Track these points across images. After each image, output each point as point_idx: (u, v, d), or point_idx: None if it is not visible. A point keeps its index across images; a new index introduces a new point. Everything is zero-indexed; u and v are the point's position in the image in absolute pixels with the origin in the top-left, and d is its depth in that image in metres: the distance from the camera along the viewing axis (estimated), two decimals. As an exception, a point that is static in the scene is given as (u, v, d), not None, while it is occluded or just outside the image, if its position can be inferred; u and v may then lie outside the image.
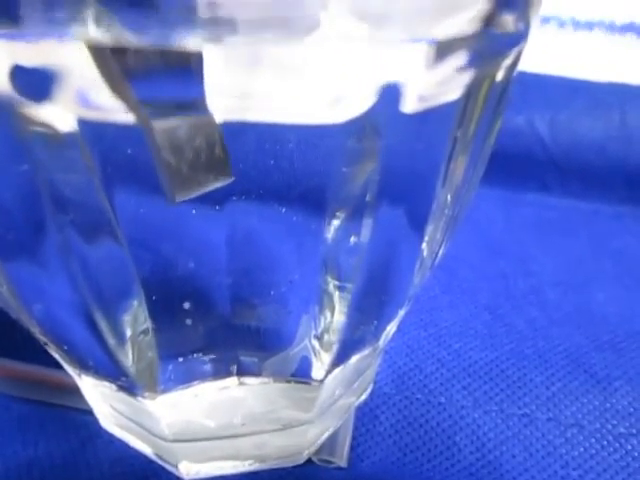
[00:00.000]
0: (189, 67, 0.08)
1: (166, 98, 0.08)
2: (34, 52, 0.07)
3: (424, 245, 0.13)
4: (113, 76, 0.07)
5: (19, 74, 0.07)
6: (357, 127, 0.09)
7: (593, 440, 0.19)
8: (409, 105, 0.09)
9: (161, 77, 0.08)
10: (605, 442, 0.19)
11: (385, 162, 0.10)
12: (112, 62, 0.07)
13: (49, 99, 0.08)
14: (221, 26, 0.07)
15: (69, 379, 0.16)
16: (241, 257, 0.11)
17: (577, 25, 0.31)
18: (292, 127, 0.09)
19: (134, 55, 0.07)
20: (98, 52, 0.07)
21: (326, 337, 0.13)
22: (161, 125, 0.08)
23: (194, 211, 0.10)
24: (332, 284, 0.12)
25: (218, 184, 0.09)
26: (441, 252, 0.14)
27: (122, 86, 0.08)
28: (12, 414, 0.18)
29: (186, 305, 0.12)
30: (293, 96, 0.08)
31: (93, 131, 0.08)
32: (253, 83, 0.08)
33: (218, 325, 0.12)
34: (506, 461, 0.18)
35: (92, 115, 0.08)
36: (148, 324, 0.12)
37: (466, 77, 0.09)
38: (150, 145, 0.08)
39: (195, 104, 0.08)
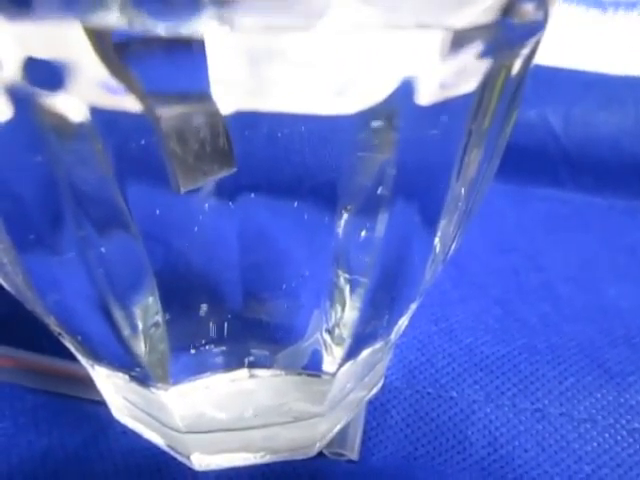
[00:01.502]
0: (193, 57, 0.08)
1: (171, 89, 0.08)
2: (46, 42, 0.07)
3: (437, 239, 0.12)
4: (114, 63, 0.07)
5: (31, 63, 0.07)
6: (370, 118, 0.09)
7: (607, 435, 0.19)
8: (425, 96, 0.09)
9: (165, 67, 0.08)
10: (619, 437, 0.19)
11: (400, 155, 0.10)
12: (112, 49, 0.07)
13: (61, 88, 0.08)
14: (232, 11, 0.07)
15: (82, 370, 0.16)
16: (252, 251, 0.11)
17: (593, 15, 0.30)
18: (303, 119, 0.09)
19: (139, 44, 0.07)
20: (98, 40, 0.07)
21: (337, 331, 0.13)
22: (167, 115, 0.08)
23: (207, 205, 0.10)
24: (343, 278, 0.12)
25: (222, 174, 0.09)
26: (454, 247, 0.14)
27: (125, 73, 0.08)
28: (26, 405, 0.19)
29: (198, 298, 0.12)
30: (305, 85, 0.08)
31: (106, 122, 0.08)
32: (265, 72, 0.08)
33: (229, 318, 0.13)
34: (518, 456, 0.18)
35: (106, 103, 0.08)
36: (160, 316, 0.12)
37: (482, 67, 0.09)
38: (157, 135, 0.08)
39: (200, 95, 0.08)
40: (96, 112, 0.08)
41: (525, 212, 0.29)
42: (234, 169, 0.09)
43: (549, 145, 0.30)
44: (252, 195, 0.10)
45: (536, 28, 0.10)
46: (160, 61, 0.08)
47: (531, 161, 0.31)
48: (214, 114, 0.08)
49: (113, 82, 0.08)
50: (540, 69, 0.30)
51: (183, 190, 0.09)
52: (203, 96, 0.08)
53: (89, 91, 0.08)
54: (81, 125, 0.08)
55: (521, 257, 0.26)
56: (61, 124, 0.08)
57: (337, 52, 0.08)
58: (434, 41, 0.08)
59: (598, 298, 0.24)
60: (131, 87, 0.08)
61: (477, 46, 0.09)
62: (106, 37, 0.07)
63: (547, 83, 0.30)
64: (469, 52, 0.09)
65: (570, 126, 0.30)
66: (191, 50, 0.08)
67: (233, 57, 0.08)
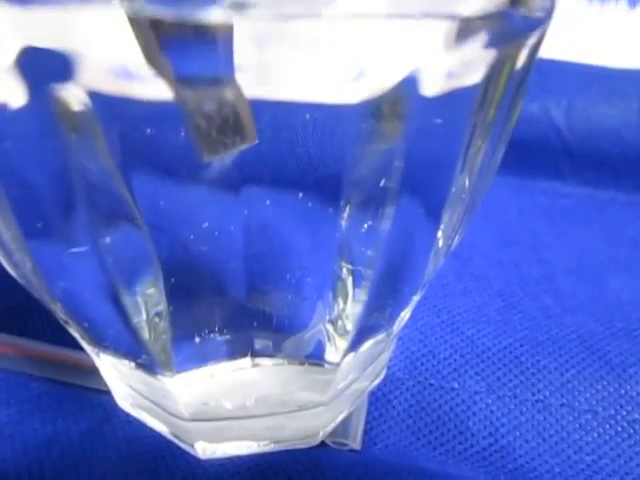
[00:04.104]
0: (218, 42, 0.08)
1: (197, 74, 0.08)
2: (48, 30, 0.07)
3: (440, 232, 0.13)
4: (152, 48, 0.08)
5: (32, 54, 0.08)
6: (374, 107, 0.09)
7: (607, 426, 0.19)
8: (430, 86, 0.09)
9: (191, 52, 0.08)
10: (619, 428, 0.19)
11: (406, 146, 0.10)
12: (152, 35, 0.07)
13: (65, 77, 0.08)
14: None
15: (87, 359, 0.16)
16: (257, 243, 0.11)
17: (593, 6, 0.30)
18: (308, 109, 0.09)
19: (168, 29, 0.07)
20: (139, 25, 0.07)
21: (340, 323, 0.13)
22: (192, 96, 0.08)
23: (212, 197, 0.10)
24: (346, 270, 0.12)
25: (245, 146, 0.09)
26: (457, 239, 0.14)
27: (159, 58, 0.08)
28: (32, 393, 0.19)
29: (203, 289, 0.12)
30: (310, 71, 0.08)
31: (109, 113, 0.08)
32: (271, 56, 0.08)
33: (233, 308, 0.13)
34: (519, 446, 0.18)
35: (112, 90, 0.08)
36: (163, 306, 0.12)
37: (488, 58, 0.09)
38: (182, 112, 0.08)
39: (224, 79, 0.08)
40: (98, 102, 0.08)
41: (527, 205, 0.29)
42: (256, 141, 0.09)
43: (551, 138, 0.30)
44: (257, 187, 0.10)
45: (542, 19, 0.10)
46: (185, 45, 0.08)
47: (533, 154, 0.31)
48: (237, 93, 0.08)
49: (125, 68, 0.08)
50: (542, 62, 0.30)
51: (207, 160, 0.09)
52: (227, 80, 0.08)
53: (94, 79, 0.08)
54: (83, 114, 0.08)
55: (523, 250, 0.26)
56: (66, 113, 0.08)
57: (343, 40, 0.08)
58: (440, 31, 0.08)
59: (599, 290, 0.24)
60: (162, 72, 0.08)
61: (483, 37, 0.09)
62: (146, 25, 0.07)
63: (549, 76, 0.30)
64: (475, 43, 0.09)
65: (572, 119, 0.30)
66: (216, 36, 0.08)
67: (238, 41, 0.08)
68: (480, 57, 0.09)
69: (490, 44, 0.09)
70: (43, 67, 0.08)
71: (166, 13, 0.07)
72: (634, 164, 0.30)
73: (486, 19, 0.09)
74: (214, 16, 0.07)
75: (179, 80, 0.08)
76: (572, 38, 0.30)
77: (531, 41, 0.10)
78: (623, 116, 0.30)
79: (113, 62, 0.08)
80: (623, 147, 0.30)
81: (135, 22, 0.07)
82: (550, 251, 0.26)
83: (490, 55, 0.09)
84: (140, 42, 0.07)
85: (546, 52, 0.30)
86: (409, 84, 0.09)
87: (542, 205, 0.30)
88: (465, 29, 0.09)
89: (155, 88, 0.08)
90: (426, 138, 0.10)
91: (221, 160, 0.09)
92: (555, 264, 0.26)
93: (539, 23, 0.10)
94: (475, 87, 0.10)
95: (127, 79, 0.08)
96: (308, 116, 0.09)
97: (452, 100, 0.10)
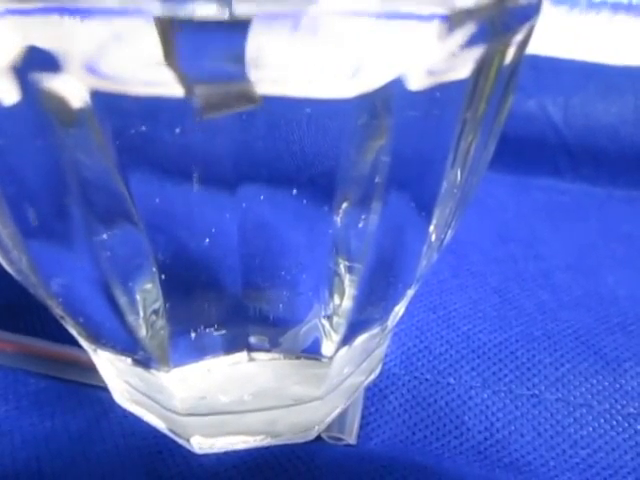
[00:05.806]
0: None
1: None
2: (43, 31, 0.07)
3: (432, 226, 0.13)
4: (171, 48, 0.08)
5: (31, 48, 0.08)
6: (368, 104, 0.09)
7: (602, 420, 0.19)
8: (418, 81, 0.09)
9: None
10: (614, 422, 0.19)
11: (396, 142, 0.10)
12: (172, 34, 0.08)
13: (61, 71, 0.08)
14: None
15: (85, 356, 0.16)
16: (253, 240, 0.11)
17: (590, 5, 0.30)
18: (303, 105, 0.09)
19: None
20: (163, 24, 0.07)
21: (336, 318, 0.13)
22: (204, 90, 0.08)
23: (208, 195, 0.10)
24: (342, 266, 0.12)
25: (248, 107, 0.09)
26: (450, 233, 0.14)
27: (173, 56, 0.08)
28: (29, 388, 0.19)
29: (199, 285, 0.12)
30: (304, 67, 0.08)
31: (107, 110, 0.08)
32: (266, 52, 0.08)
33: (230, 304, 0.13)
34: (514, 440, 0.18)
35: (104, 86, 0.08)
36: (160, 303, 0.12)
37: (477, 52, 0.09)
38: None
39: (237, 77, 0.08)
40: (96, 98, 0.08)
41: (524, 201, 0.30)
42: (259, 104, 0.09)
43: (548, 135, 0.30)
44: (252, 185, 0.10)
45: (530, 12, 0.10)
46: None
47: (530, 151, 0.31)
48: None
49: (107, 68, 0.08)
50: (539, 59, 0.30)
51: (205, 118, 0.09)
52: (240, 78, 0.08)
53: (86, 74, 0.08)
54: (81, 111, 0.08)
55: (520, 246, 0.26)
56: (63, 109, 0.08)
57: (335, 36, 0.08)
58: (432, 23, 0.08)
59: (595, 286, 0.24)
60: (178, 71, 0.08)
61: (472, 31, 0.09)
62: (169, 25, 0.07)
63: (546, 73, 0.30)
64: (465, 35, 0.09)
65: (569, 116, 0.30)
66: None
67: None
68: (469, 52, 0.09)
69: (478, 39, 0.09)
70: (37, 64, 0.08)
71: (155, 9, 0.07)
72: (631, 161, 0.30)
73: (474, 14, 0.09)
74: (202, 11, 0.07)
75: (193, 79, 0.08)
76: (569, 35, 0.30)
77: (519, 37, 0.10)
78: (620, 113, 0.30)
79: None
80: (620, 144, 0.30)
81: (157, 21, 0.07)
82: (547, 247, 0.26)
83: (478, 50, 0.09)
84: (163, 40, 0.08)
85: (543, 49, 0.30)
86: (398, 80, 0.09)
87: (539, 202, 0.30)
88: (455, 24, 0.09)
89: (151, 87, 0.08)
90: (416, 133, 0.10)
91: (220, 116, 0.09)
92: (552, 260, 0.26)
93: (526, 18, 0.10)
94: (464, 82, 0.10)
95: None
96: (304, 112, 0.09)
97: (442, 95, 0.10)
